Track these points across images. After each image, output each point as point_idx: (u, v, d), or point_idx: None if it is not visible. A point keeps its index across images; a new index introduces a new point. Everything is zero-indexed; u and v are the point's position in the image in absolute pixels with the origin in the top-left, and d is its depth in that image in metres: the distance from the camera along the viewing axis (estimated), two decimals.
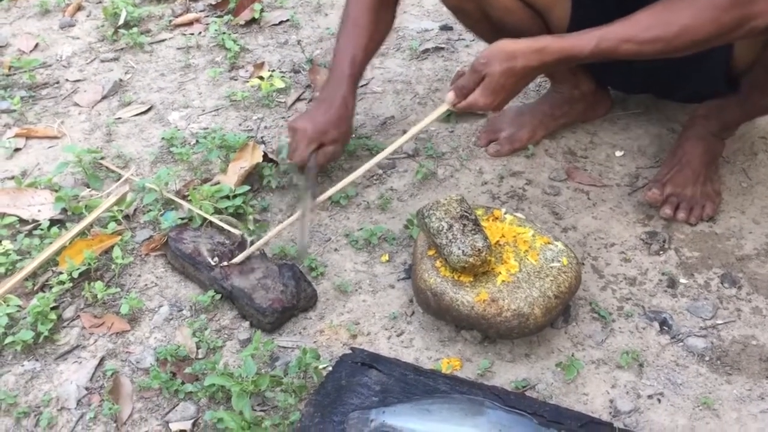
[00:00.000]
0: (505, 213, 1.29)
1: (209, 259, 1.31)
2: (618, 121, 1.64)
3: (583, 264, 1.34)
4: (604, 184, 1.50)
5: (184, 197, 1.49)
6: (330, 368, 1.19)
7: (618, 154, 1.57)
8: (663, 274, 1.32)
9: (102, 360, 1.24)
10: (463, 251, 1.16)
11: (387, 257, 1.38)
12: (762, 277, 1.30)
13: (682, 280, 1.30)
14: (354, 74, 1.45)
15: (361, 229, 1.43)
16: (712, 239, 1.37)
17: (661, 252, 1.35)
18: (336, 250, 1.41)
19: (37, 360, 1.25)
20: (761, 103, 1.32)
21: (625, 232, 1.40)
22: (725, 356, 1.18)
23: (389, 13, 1.50)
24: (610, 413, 1.12)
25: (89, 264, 1.34)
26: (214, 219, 1.40)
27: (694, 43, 1.10)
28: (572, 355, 1.19)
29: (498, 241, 1.23)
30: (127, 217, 1.48)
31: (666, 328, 1.22)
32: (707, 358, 1.18)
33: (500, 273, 1.19)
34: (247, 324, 1.28)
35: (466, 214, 1.20)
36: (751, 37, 1.11)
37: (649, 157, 1.55)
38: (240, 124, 1.73)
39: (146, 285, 1.36)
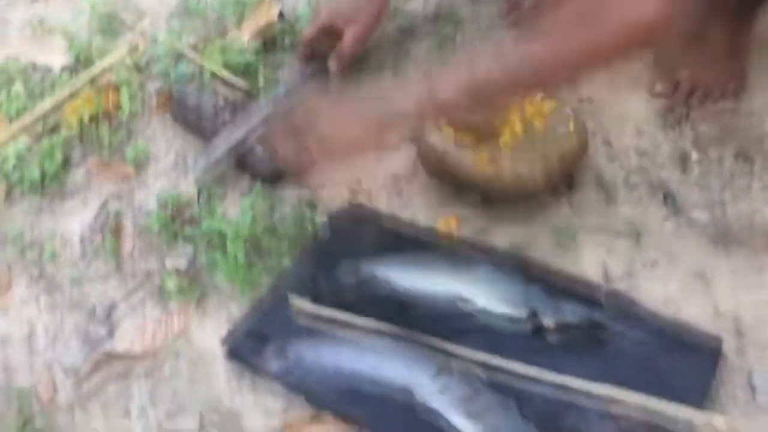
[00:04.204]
0: None
1: (212, 111, 1.31)
2: None
3: (595, 135, 1.30)
4: None
5: (196, 51, 1.48)
6: (326, 221, 1.19)
7: None
8: (675, 148, 1.28)
9: (106, 202, 1.27)
10: None
11: None
12: None
13: (695, 156, 1.26)
14: None
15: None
16: (732, 117, 1.32)
17: (676, 127, 1.31)
18: None
19: (43, 197, 1.28)
20: None
21: (641, 105, 1.35)
22: (728, 230, 1.15)
23: None
24: (603, 278, 1.11)
25: (98, 110, 1.35)
26: (222, 72, 1.39)
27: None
28: (570, 221, 1.17)
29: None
30: (139, 68, 1.47)
31: (670, 200, 1.20)
32: (709, 231, 1.16)
33: (503, 135, 1.16)
34: (248, 177, 1.28)
35: None
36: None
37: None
38: None
39: (154, 134, 1.37)
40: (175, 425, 1.00)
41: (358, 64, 1.44)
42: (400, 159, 1.30)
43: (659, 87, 1.35)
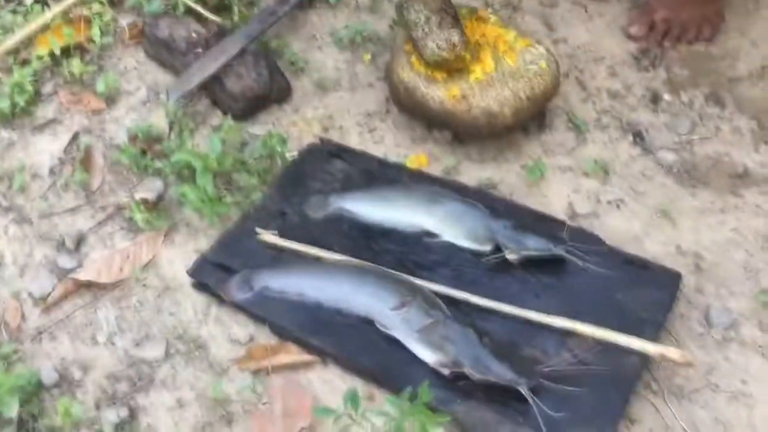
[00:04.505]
0: (491, 14, 1.24)
1: (184, 46, 1.29)
2: None
3: (568, 75, 1.30)
4: None
5: None
6: (297, 156, 1.19)
7: None
8: (648, 89, 1.28)
9: (77, 135, 1.26)
10: (437, 45, 1.13)
11: (370, 57, 1.36)
12: (749, 99, 1.25)
13: (666, 97, 1.27)
14: None
15: (347, 27, 1.39)
16: (706, 59, 1.32)
17: (650, 68, 1.31)
18: (319, 48, 1.38)
19: (13, 130, 1.27)
20: None
21: (616, 47, 1.35)
22: (694, 170, 1.16)
23: None
24: (568, 215, 1.12)
25: (70, 43, 1.33)
26: (196, 7, 1.37)
27: None
28: (539, 159, 1.18)
29: (478, 41, 1.19)
30: (112, 2, 1.45)
31: (639, 140, 1.20)
32: (675, 171, 1.16)
33: (474, 71, 1.16)
34: (220, 111, 1.28)
35: (444, 7, 1.16)
36: None
37: None
38: None
39: (126, 68, 1.36)
40: (141, 353, 1.01)
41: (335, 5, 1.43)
42: (373, 96, 1.30)
43: (635, 29, 1.35)
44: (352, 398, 0.85)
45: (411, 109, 1.20)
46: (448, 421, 0.86)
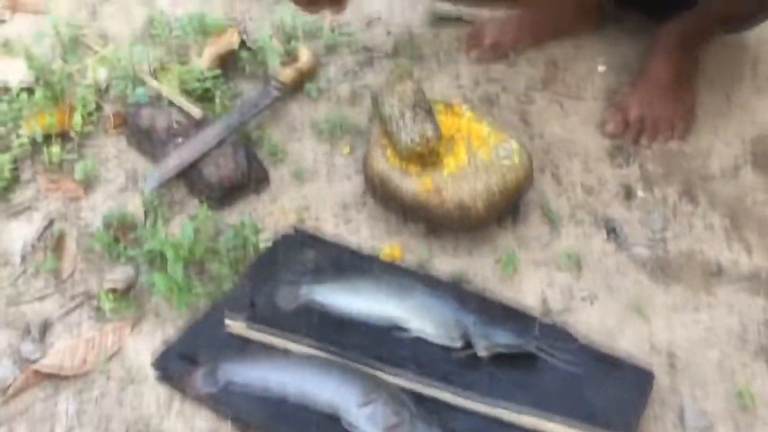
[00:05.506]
0: (466, 109, 1.26)
1: (164, 135, 1.31)
2: (607, 36, 1.58)
3: (543, 170, 1.31)
4: (581, 96, 1.46)
5: (155, 76, 1.48)
6: (270, 245, 1.19)
7: (601, 68, 1.52)
8: (622, 185, 1.29)
9: (52, 221, 1.26)
10: (411, 138, 1.14)
11: (348, 149, 1.37)
12: (722, 197, 1.26)
13: (640, 193, 1.28)
14: None
15: (327, 120, 1.41)
16: (679, 157, 1.33)
17: (624, 165, 1.32)
18: (299, 139, 1.40)
19: None
20: (716, 8, 1.27)
21: (591, 143, 1.37)
22: (668, 267, 1.16)
23: None
24: (542, 310, 1.11)
25: (51, 129, 1.35)
26: (175, 98, 1.39)
27: None
28: (513, 253, 1.17)
29: (453, 135, 1.21)
30: (99, 91, 1.48)
31: (613, 236, 1.20)
32: (649, 268, 1.16)
33: (448, 164, 1.17)
34: (196, 199, 1.28)
35: (419, 103, 1.18)
36: None
37: (633, 74, 1.50)
38: (225, 13, 1.69)
39: (106, 157, 1.37)
40: None
41: (316, 98, 1.45)
42: (350, 187, 1.31)
43: (610, 126, 1.37)
44: None
45: (386, 201, 1.21)
46: None
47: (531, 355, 1.00)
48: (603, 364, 1.00)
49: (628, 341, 1.06)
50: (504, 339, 1.01)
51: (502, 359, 1.00)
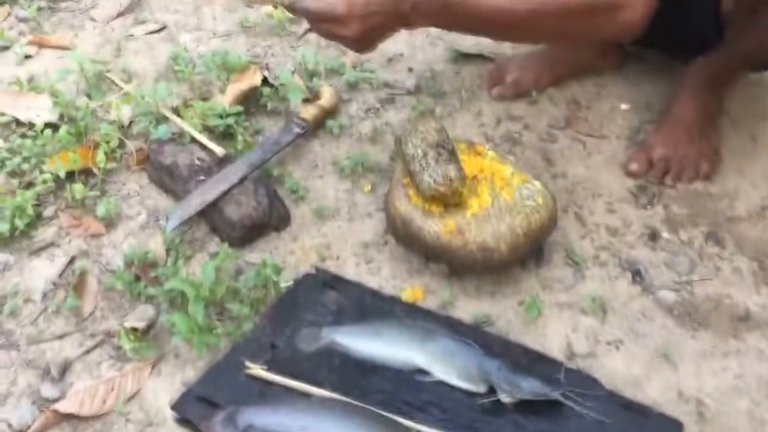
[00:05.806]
0: (489, 149, 1.25)
1: (185, 172, 1.31)
2: (629, 75, 1.58)
3: (567, 211, 1.30)
4: (603, 135, 1.45)
5: (178, 113, 1.49)
6: (291, 286, 1.18)
7: (623, 107, 1.51)
8: (646, 227, 1.27)
9: (73, 259, 1.26)
10: (434, 179, 1.14)
11: (370, 187, 1.37)
12: (749, 239, 1.25)
13: (665, 235, 1.26)
14: None
15: (349, 158, 1.41)
16: (704, 198, 1.32)
17: (648, 206, 1.31)
18: (321, 176, 1.40)
19: (11, 254, 1.27)
20: (742, 48, 1.27)
21: (615, 183, 1.35)
22: (695, 312, 1.14)
23: None
24: (566, 355, 1.09)
25: (74, 166, 1.36)
26: (197, 135, 1.40)
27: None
28: (536, 296, 1.16)
29: (476, 176, 1.20)
30: (122, 128, 1.49)
31: (639, 279, 1.19)
32: (675, 312, 1.14)
33: (471, 206, 1.16)
34: (219, 239, 1.28)
35: (443, 143, 1.18)
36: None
37: (656, 113, 1.49)
38: (248, 50, 1.71)
39: (128, 193, 1.37)
40: None
41: (338, 136, 1.45)
42: (371, 226, 1.30)
43: (634, 166, 1.36)
44: None
45: (408, 242, 1.20)
46: None
47: (557, 402, 0.98)
48: (630, 412, 0.98)
49: (655, 389, 1.04)
50: (529, 386, 0.99)
51: (527, 406, 0.99)
